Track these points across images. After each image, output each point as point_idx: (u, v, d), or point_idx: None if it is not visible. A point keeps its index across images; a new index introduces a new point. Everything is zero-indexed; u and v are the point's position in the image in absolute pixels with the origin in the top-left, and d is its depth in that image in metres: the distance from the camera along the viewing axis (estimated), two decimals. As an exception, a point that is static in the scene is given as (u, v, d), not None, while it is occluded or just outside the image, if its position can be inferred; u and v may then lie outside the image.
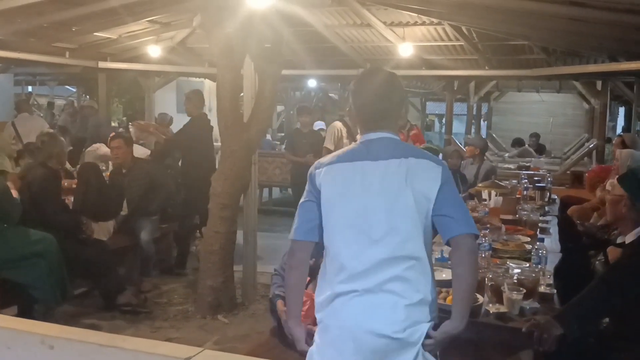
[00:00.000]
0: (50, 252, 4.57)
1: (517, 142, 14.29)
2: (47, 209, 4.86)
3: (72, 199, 5.52)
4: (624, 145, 6.41)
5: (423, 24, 7.10)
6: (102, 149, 7.10)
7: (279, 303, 3.20)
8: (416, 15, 6.71)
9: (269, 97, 5.18)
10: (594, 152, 9.68)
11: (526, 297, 2.71)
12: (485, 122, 18.87)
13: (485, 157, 7.46)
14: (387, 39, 7.50)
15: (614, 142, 6.32)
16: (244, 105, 5.38)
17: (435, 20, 6.79)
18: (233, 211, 5.24)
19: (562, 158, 13.96)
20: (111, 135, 6.21)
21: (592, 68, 7.23)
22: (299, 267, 2.24)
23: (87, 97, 16.37)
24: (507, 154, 13.18)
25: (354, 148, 2.25)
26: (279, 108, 18.27)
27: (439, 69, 8.38)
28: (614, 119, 16.86)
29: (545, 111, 18.23)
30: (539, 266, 3.11)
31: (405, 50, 7.31)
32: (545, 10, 4.99)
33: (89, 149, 7.38)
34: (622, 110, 18.45)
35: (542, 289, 2.93)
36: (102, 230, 5.47)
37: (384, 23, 7.14)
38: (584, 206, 6.05)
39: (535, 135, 14.55)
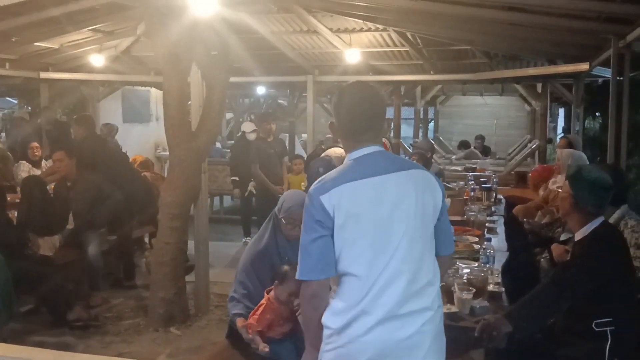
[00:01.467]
0: (-5, 269, 4.41)
1: (463, 145, 14.56)
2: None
3: (15, 213, 5.36)
4: (570, 146, 6.57)
5: (369, 30, 7.17)
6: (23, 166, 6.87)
7: (239, 320, 3.20)
8: (362, 21, 6.78)
9: (218, 104, 5.15)
10: (537, 152, 9.97)
11: (476, 296, 2.77)
12: (432, 125, 19.22)
13: (432, 160, 7.59)
14: (334, 46, 7.55)
15: (557, 143, 6.49)
16: (191, 113, 5.33)
17: (380, 27, 6.88)
18: (183, 221, 5.17)
19: (506, 159, 14.33)
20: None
21: (532, 71, 7.46)
22: (320, 305, 2.12)
23: (29, 108, 15.86)
24: (453, 157, 13.40)
25: (351, 166, 2.14)
26: (228, 115, 18.17)
27: (385, 75, 8.47)
28: (554, 119, 17.37)
29: (489, 114, 18.70)
30: (487, 265, 3.18)
31: (352, 56, 7.38)
32: (485, 15, 5.12)
33: (15, 165, 7.06)
34: (562, 111, 19.05)
35: (490, 287, 3.00)
36: (48, 246, 5.33)
37: (330, 29, 7.19)
38: (528, 205, 6.23)
39: (481, 138, 14.82)
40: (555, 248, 3.86)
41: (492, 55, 7.66)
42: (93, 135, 6.51)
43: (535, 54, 7.20)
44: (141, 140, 12.94)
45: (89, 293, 5.65)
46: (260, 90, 13.76)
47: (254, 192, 7.39)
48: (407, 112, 15.92)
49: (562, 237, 4.47)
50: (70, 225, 5.64)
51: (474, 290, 2.73)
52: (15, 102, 19.34)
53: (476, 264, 3.26)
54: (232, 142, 15.12)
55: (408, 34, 7.13)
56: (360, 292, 2.05)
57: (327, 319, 2.10)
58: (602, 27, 4.57)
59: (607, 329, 2.61)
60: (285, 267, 3.19)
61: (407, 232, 2.07)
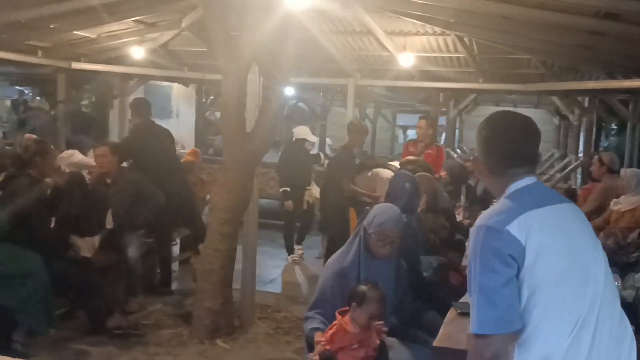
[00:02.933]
0: (37, 271, 4.12)
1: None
2: (32, 223, 4.39)
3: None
4: (601, 163, 6.26)
5: (425, 33, 6.88)
6: (77, 156, 6.61)
7: (317, 335, 3.00)
8: (419, 23, 6.47)
9: (275, 105, 4.84)
10: (580, 168, 9.67)
11: None
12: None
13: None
14: (386, 48, 7.23)
15: (593, 160, 6.20)
16: (246, 114, 5.02)
17: (437, 30, 6.58)
18: (234, 227, 4.87)
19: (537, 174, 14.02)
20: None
21: (591, 84, 7.13)
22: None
23: (40, 99, 15.56)
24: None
25: (518, 197, 1.89)
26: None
27: (434, 81, 8.16)
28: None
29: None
30: None
31: (406, 60, 7.06)
32: (561, 21, 4.84)
33: (60, 155, 6.82)
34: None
35: None
36: (87, 247, 5.02)
37: (385, 31, 6.88)
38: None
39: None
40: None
41: (548, 65, 7.33)
42: (149, 121, 6.17)
43: (598, 66, 6.86)
44: (162, 137, 12.69)
45: (126, 299, 5.35)
46: (289, 91, 13.43)
47: (310, 202, 7.07)
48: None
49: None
50: (109, 226, 5.34)
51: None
52: (21, 89, 19.02)
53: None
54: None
55: (465, 39, 6.81)
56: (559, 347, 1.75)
57: None
58: None
59: None
60: (363, 288, 2.95)
61: (600, 261, 1.82)
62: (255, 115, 4.94)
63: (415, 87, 8.57)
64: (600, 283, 1.79)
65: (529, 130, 1.97)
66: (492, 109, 17.49)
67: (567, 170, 10.35)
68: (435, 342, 2.35)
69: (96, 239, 5.12)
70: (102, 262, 5.09)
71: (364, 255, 3.19)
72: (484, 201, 6.51)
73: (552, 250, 1.75)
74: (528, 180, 1.92)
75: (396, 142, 25.29)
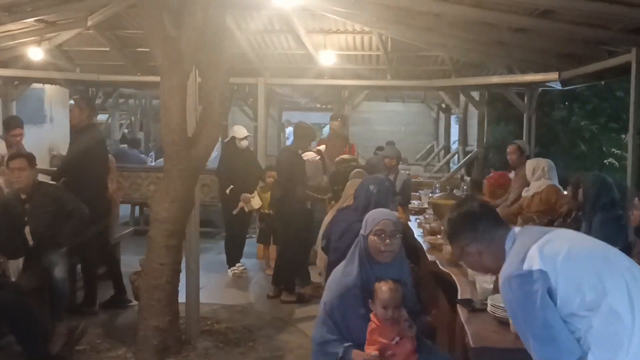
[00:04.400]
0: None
1: (380, 150, 14.68)
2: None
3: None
4: (520, 151, 6.66)
5: (345, 31, 6.89)
6: None
7: (355, 353, 2.90)
8: (341, 22, 6.47)
9: (219, 107, 4.62)
10: (475, 160, 10.17)
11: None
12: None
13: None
14: (305, 46, 7.16)
15: (508, 149, 6.55)
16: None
17: (358, 28, 6.61)
18: (180, 239, 4.60)
19: (422, 165, 14.70)
20: (10, 154, 5.17)
21: (495, 79, 7.53)
22: None
23: None
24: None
25: (519, 242, 2.09)
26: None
27: (339, 79, 8.20)
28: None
29: (397, 120, 19.06)
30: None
31: (327, 58, 7.03)
32: (487, 18, 5.05)
33: None
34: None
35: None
36: (13, 270, 4.52)
37: (306, 29, 6.80)
38: (507, 212, 6.24)
39: (392, 143, 15.00)
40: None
41: (454, 62, 7.64)
42: (93, 126, 5.76)
43: (501, 62, 7.25)
44: (35, 143, 11.68)
45: (53, 323, 4.87)
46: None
47: (246, 210, 6.68)
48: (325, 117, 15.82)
49: None
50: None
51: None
52: None
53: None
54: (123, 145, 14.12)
55: (384, 37, 6.90)
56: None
57: None
58: (623, 37, 4.60)
59: None
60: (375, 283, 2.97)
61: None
62: (194, 119, 4.70)
63: (329, 85, 8.55)
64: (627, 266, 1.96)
65: (475, 204, 2.30)
66: (372, 105, 18.09)
67: (464, 161, 10.82)
68: (474, 344, 2.33)
69: (21, 261, 4.63)
70: (29, 285, 4.60)
71: (368, 270, 3.07)
72: (404, 196, 6.68)
73: (569, 256, 1.93)
74: (515, 230, 2.15)
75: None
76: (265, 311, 5.81)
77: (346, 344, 2.87)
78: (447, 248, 4.15)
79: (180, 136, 4.43)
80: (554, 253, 1.92)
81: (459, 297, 3.07)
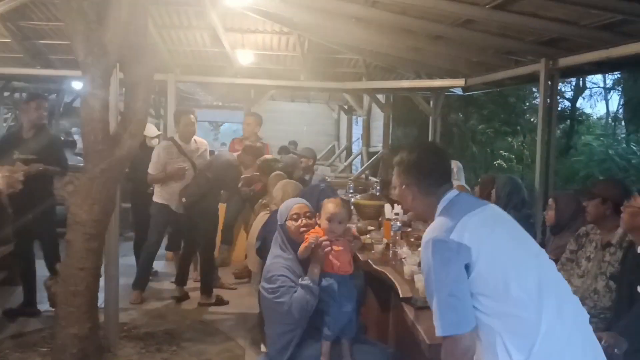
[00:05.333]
0: None
1: (284, 150, 14.73)
2: None
3: None
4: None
5: (264, 31, 6.84)
6: None
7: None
8: (260, 21, 6.42)
9: (143, 105, 4.46)
10: (381, 161, 10.47)
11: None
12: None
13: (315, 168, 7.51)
14: (222, 44, 7.03)
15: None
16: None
17: (277, 29, 6.60)
18: (100, 242, 4.39)
19: (325, 165, 14.91)
20: None
21: (406, 84, 7.78)
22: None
23: None
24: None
25: (453, 207, 2.17)
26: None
27: (253, 78, 8.15)
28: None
29: (299, 120, 19.17)
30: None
31: (245, 57, 6.95)
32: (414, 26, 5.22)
33: None
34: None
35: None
36: None
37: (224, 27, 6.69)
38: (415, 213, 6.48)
39: (294, 143, 15.14)
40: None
41: (367, 65, 7.82)
42: None
43: (411, 67, 7.52)
44: None
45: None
46: (77, 85, 12.28)
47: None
48: (239, 116, 15.50)
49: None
50: None
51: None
52: None
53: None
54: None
55: (301, 38, 6.94)
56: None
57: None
58: (534, 48, 4.91)
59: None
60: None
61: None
62: (115, 117, 4.51)
63: (244, 84, 8.46)
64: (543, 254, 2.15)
65: (444, 151, 2.38)
66: (274, 104, 18.10)
67: (371, 161, 11.09)
68: (429, 341, 2.41)
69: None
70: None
71: (292, 247, 3.25)
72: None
73: (494, 237, 2.06)
74: (454, 193, 2.20)
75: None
76: (183, 315, 5.66)
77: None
78: (378, 247, 4.25)
79: (103, 135, 4.24)
80: (483, 232, 2.03)
81: (401, 296, 3.15)
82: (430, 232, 2.06)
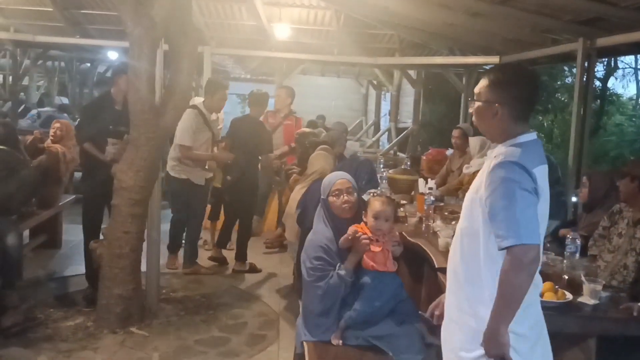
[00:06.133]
0: None
1: (312, 125, 14.81)
2: None
3: None
4: (464, 134, 6.95)
5: (302, 5, 6.89)
6: None
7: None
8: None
9: (186, 77, 4.60)
10: (410, 137, 10.52)
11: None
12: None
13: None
14: (259, 18, 7.13)
15: (454, 133, 6.80)
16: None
17: (314, 3, 6.66)
18: (144, 207, 4.58)
19: (353, 140, 14.98)
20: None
21: (439, 60, 7.81)
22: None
23: None
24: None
25: (534, 149, 2.14)
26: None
27: (289, 52, 8.23)
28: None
29: (327, 94, 19.23)
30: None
31: (282, 31, 7.04)
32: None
33: None
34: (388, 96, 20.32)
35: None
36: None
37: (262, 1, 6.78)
38: (448, 187, 6.57)
39: (322, 118, 15.18)
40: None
41: (400, 40, 7.85)
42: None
43: (445, 43, 7.53)
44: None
45: (5, 293, 4.74)
46: (113, 55, 12.49)
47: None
48: (267, 89, 15.57)
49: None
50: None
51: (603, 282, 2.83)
52: None
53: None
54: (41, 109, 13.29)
55: (337, 13, 7.00)
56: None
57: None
58: (571, 27, 4.93)
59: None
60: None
61: None
62: (160, 88, 4.66)
63: (277, 57, 8.55)
64: None
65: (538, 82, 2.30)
66: (312, 79, 18.14)
67: (399, 138, 11.14)
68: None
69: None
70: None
71: (333, 224, 3.36)
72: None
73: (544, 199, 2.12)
74: (534, 135, 2.18)
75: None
76: (219, 281, 5.86)
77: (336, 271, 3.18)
78: (412, 220, 4.38)
79: (149, 105, 4.40)
80: (540, 183, 2.09)
81: (436, 266, 3.28)
82: (516, 157, 2.05)
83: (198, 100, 6.21)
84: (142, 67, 4.29)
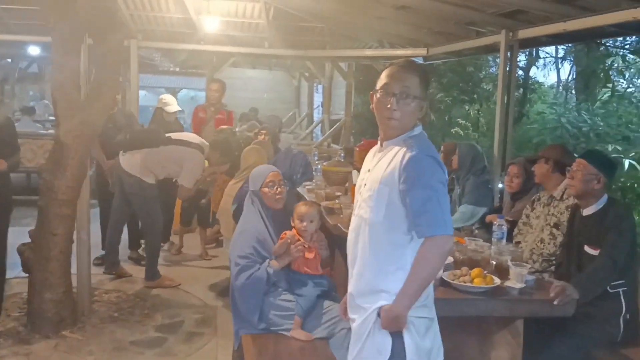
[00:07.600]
0: None
1: (245, 118, 14.74)
2: None
3: None
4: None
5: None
6: None
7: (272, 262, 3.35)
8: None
9: (113, 70, 4.50)
10: (342, 128, 10.62)
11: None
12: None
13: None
14: (187, 10, 6.99)
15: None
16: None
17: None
18: (73, 208, 4.44)
19: (286, 133, 15.00)
20: None
21: (369, 52, 7.91)
22: None
23: None
24: (236, 129, 13.53)
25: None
26: None
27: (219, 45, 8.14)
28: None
29: (258, 87, 19.11)
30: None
31: (211, 24, 6.94)
32: None
33: None
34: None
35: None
36: None
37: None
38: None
39: (255, 110, 15.14)
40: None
41: (331, 33, 7.90)
42: None
43: (374, 36, 7.63)
44: None
45: None
46: (34, 50, 11.97)
47: None
48: (197, 82, 15.34)
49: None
50: None
51: (529, 266, 2.95)
52: None
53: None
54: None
55: (267, 6, 6.97)
56: None
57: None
58: (495, 20, 5.10)
59: (620, 290, 3.07)
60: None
61: None
62: (85, 84, 4.52)
63: (206, 51, 8.43)
64: None
65: None
66: (242, 71, 17.95)
67: (333, 129, 11.22)
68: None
69: None
70: None
71: (266, 214, 3.49)
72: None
73: None
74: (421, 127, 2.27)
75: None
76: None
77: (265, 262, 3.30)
78: (346, 212, 4.42)
79: (74, 101, 4.27)
80: None
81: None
82: (428, 150, 2.15)
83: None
84: (66, 63, 4.16)
